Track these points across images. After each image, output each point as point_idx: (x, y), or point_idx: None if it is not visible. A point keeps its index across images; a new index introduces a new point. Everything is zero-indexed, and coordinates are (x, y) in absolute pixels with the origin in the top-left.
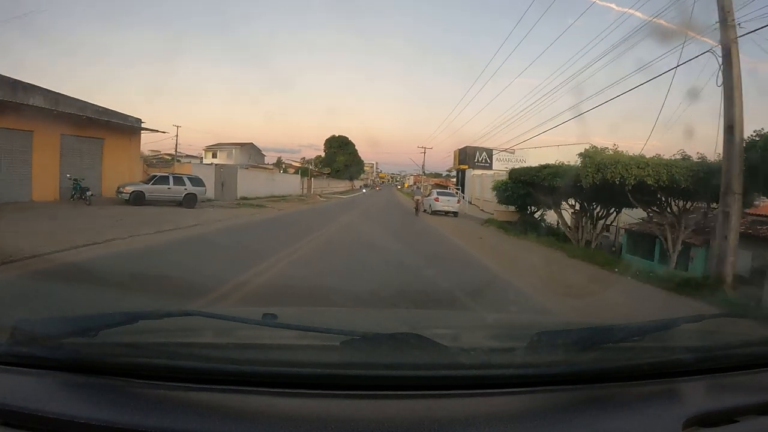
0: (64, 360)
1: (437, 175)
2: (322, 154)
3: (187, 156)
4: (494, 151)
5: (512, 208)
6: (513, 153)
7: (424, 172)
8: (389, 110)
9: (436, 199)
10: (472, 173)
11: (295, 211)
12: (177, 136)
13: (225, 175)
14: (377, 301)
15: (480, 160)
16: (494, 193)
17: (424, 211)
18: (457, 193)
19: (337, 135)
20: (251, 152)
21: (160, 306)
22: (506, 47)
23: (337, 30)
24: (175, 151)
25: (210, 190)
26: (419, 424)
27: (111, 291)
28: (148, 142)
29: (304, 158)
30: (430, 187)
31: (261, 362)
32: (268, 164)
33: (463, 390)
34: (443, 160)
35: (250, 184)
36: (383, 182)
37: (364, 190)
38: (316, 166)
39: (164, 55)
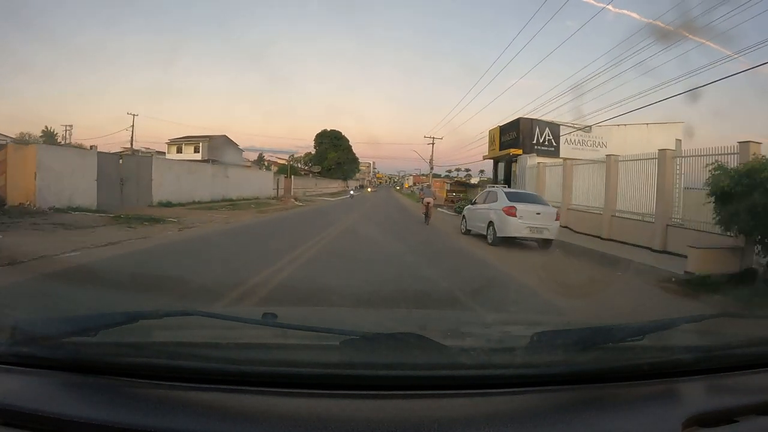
0: (64, 360)
1: (436, 176)
2: (313, 151)
3: (158, 153)
4: (561, 128)
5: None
6: (589, 132)
7: (431, 167)
8: (387, 110)
9: (510, 211)
10: (535, 162)
11: (212, 234)
12: (133, 126)
13: (126, 169)
14: (377, 300)
15: (543, 141)
16: (711, 201)
17: (467, 231)
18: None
19: (329, 129)
20: (225, 147)
21: (160, 306)
22: (532, 25)
23: (335, 28)
24: (131, 144)
25: (90, 193)
26: (419, 424)
27: None
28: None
29: (291, 155)
30: (447, 187)
31: (261, 362)
32: (246, 161)
33: (463, 390)
34: (446, 159)
35: (180, 182)
36: (380, 183)
37: (351, 192)
38: (305, 163)
39: (154, 50)
